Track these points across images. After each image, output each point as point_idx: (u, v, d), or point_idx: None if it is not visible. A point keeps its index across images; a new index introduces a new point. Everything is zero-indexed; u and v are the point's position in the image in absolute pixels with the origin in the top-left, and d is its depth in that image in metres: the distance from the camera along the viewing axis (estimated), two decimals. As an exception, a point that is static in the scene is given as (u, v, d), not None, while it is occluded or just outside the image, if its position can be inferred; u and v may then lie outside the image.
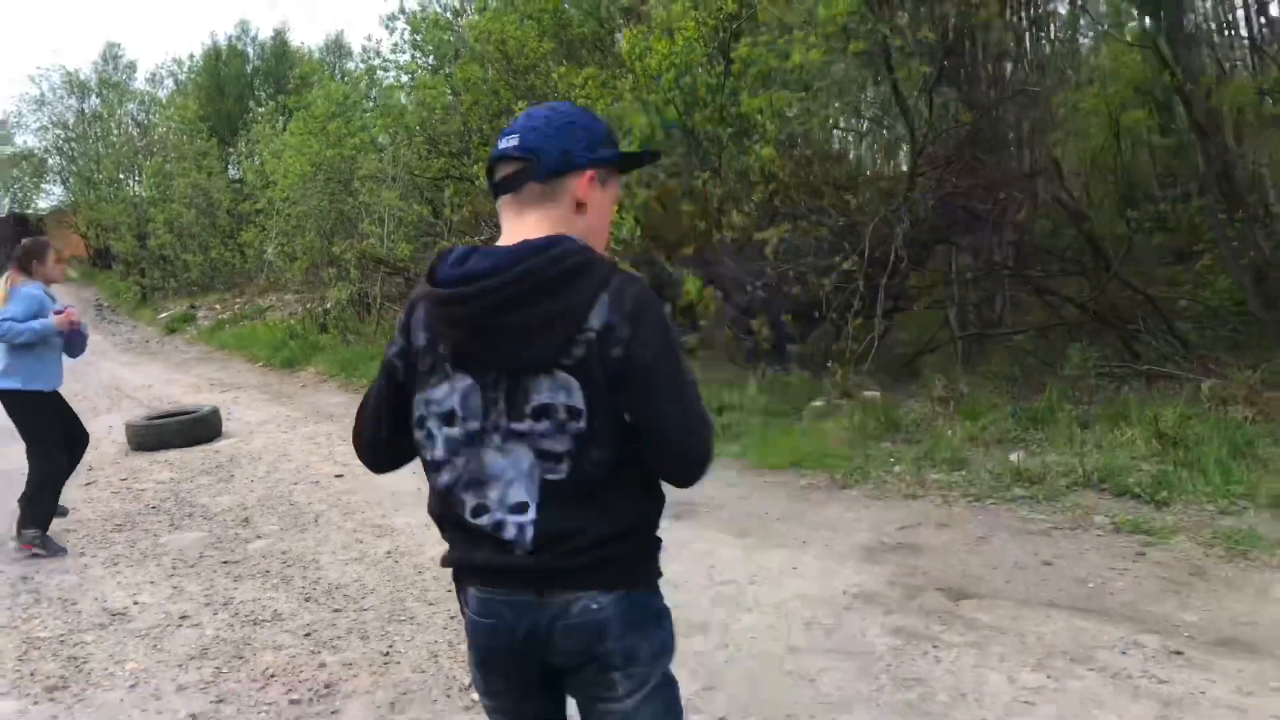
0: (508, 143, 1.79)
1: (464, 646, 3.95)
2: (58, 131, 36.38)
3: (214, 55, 35.37)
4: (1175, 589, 4.05)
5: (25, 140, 40.14)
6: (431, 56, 17.88)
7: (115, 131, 34.29)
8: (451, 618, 4.21)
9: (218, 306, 22.53)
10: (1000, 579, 4.34)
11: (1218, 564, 4.26)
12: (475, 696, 3.11)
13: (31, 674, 3.99)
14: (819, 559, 4.77)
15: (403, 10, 17.12)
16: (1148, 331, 7.79)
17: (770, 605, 4.22)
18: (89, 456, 6.81)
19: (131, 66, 37.91)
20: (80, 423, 6.26)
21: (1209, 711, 3.07)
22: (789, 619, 4.05)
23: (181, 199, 25.44)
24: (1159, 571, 4.25)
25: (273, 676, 3.87)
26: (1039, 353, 8.59)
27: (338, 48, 36.86)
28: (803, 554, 4.87)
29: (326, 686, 3.73)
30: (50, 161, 38.22)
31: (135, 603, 4.84)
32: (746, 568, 4.72)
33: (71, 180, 35.41)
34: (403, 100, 18.66)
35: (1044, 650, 3.57)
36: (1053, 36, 9.26)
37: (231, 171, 28.58)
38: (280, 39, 36.68)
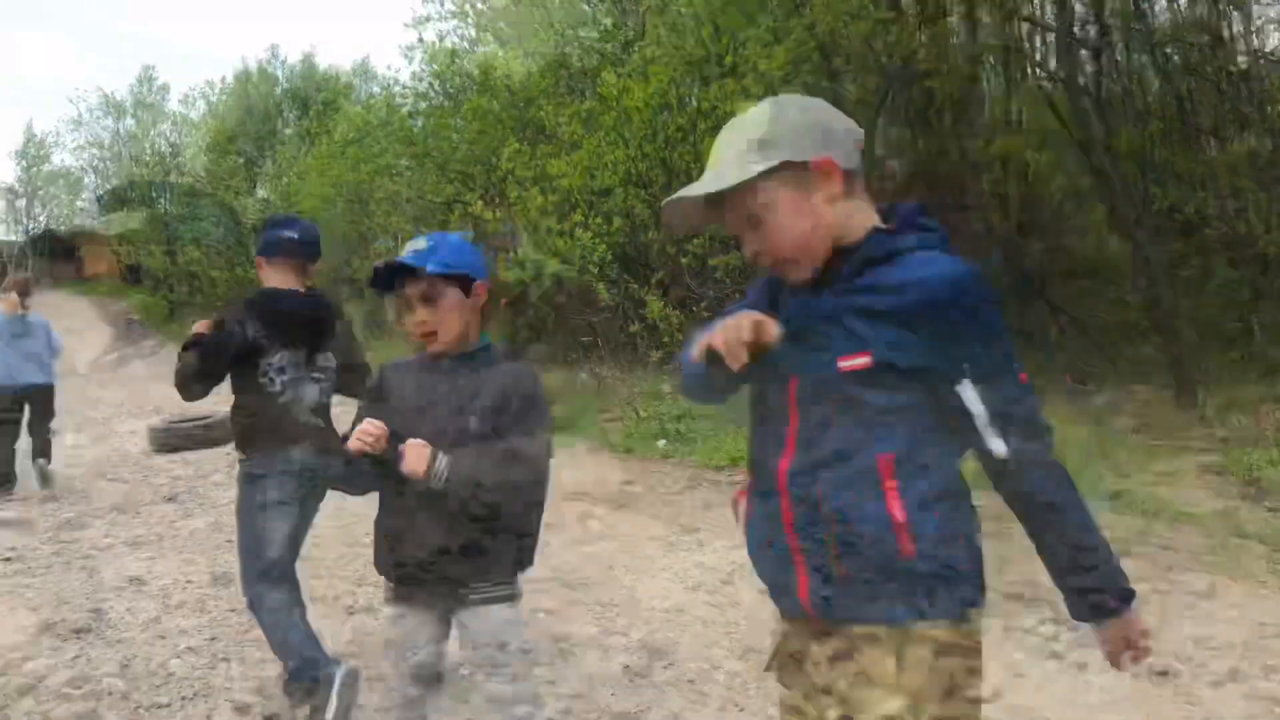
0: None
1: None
2: (94, 150, 37.78)
3: (244, 78, 36.47)
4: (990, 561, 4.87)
5: (62, 159, 41.74)
6: (449, 85, 18.77)
7: (149, 151, 35.41)
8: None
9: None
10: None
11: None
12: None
13: (62, 620, 4.91)
14: (724, 540, 5.64)
15: (421, 40, 17.91)
16: (1066, 348, 8.60)
17: (673, 571, 5.09)
18: (115, 455, 7.84)
19: (165, 89, 39.36)
20: None
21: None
22: (683, 581, 4.92)
23: (209, 217, 26.50)
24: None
25: (256, 624, 4.77)
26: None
27: (364, 72, 38.07)
28: (715, 537, 5.74)
29: (298, 630, 4.63)
30: (86, 180, 39.70)
31: (149, 572, 5.76)
32: (662, 545, 5.59)
33: (105, 198, 36.63)
34: (417, 127, 19.64)
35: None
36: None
37: (260, 192, 29.69)
38: (309, 62, 37.71)
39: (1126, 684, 2.15)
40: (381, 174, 18.41)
